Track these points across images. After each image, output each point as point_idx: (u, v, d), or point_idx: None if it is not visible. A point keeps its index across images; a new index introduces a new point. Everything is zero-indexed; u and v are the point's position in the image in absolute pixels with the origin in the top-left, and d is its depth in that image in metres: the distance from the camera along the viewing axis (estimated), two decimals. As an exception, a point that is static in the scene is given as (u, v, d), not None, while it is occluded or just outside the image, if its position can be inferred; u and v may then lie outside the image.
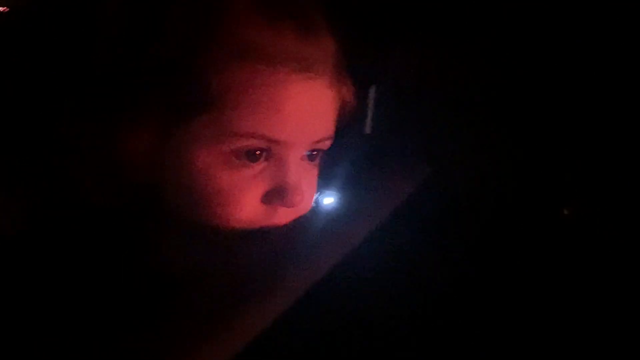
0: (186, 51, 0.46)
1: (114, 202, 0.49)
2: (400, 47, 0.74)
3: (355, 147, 0.65)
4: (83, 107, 0.49)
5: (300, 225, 0.54)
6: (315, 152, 0.53)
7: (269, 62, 0.47)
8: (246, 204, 0.50)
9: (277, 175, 0.50)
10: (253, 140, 0.48)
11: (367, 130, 0.78)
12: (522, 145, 0.72)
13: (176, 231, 0.52)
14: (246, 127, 0.47)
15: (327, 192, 0.59)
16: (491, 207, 0.71)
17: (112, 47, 0.48)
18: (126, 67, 0.47)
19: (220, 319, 0.46)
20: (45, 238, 0.49)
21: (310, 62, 0.48)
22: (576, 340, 0.57)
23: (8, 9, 0.55)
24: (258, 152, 0.49)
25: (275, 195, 0.50)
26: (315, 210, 0.57)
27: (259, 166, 0.50)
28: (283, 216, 0.52)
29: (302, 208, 0.53)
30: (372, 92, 0.79)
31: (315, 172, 0.55)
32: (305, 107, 0.49)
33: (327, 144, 0.54)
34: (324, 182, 0.58)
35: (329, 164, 0.58)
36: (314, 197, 0.56)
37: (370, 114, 0.77)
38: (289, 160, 0.50)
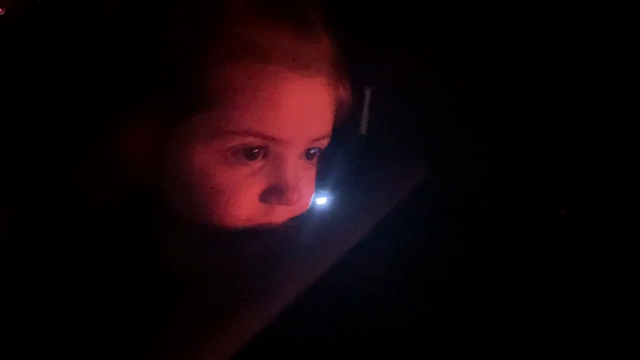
0: (185, 50, 0.46)
1: (114, 201, 0.50)
2: (396, 48, 0.74)
3: (352, 147, 0.65)
4: (83, 107, 0.49)
5: (298, 224, 0.54)
6: (313, 151, 0.54)
7: (267, 60, 0.47)
8: (244, 202, 0.50)
9: (275, 174, 0.51)
10: (251, 138, 0.48)
11: (363, 130, 0.78)
12: (519, 145, 0.73)
13: (175, 230, 0.52)
14: (244, 125, 0.47)
15: (325, 191, 0.59)
16: (489, 206, 0.71)
17: (112, 47, 0.48)
18: (126, 67, 0.48)
19: (220, 319, 0.46)
20: (45, 238, 0.49)
21: (307, 60, 0.49)
22: (575, 338, 0.57)
23: (6, 10, 0.55)
24: (256, 150, 0.49)
25: (273, 193, 0.51)
26: (313, 210, 0.57)
27: (257, 164, 0.50)
28: (281, 214, 0.52)
29: (300, 207, 0.54)
30: (368, 92, 0.79)
31: (313, 171, 0.55)
32: (303, 105, 0.49)
33: (325, 142, 0.54)
34: (322, 181, 0.58)
35: (326, 163, 0.58)
36: (312, 196, 0.56)
37: (366, 114, 0.78)
38: (286, 158, 0.51)
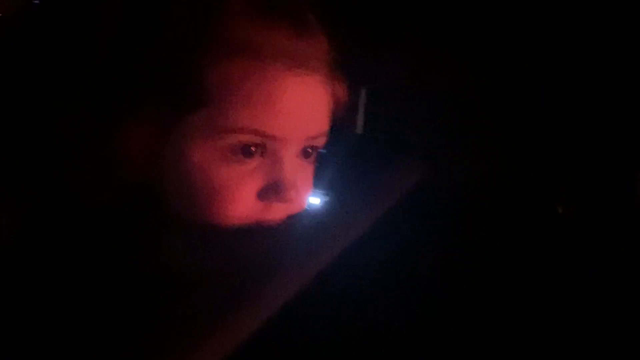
0: (183, 49, 0.47)
1: (113, 201, 0.50)
2: (393, 47, 0.74)
3: (348, 146, 0.66)
4: (82, 107, 0.49)
5: (296, 224, 0.54)
6: (310, 150, 0.54)
7: (264, 58, 0.47)
8: (242, 200, 0.50)
9: (272, 172, 0.51)
10: (248, 135, 0.48)
11: (359, 129, 0.78)
12: (517, 144, 0.73)
13: (174, 229, 0.52)
14: (241, 122, 0.48)
15: (323, 190, 0.60)
16: (487, 205, 0.71)
17: (110, 46, 0.49)
18: (124, 66, 0.48)
19: (219, 318, 0.46)
20: (45, 238, 0.49)
21: (304, 59, 0.49)
22: (574, 338, 0.57)
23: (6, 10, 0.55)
24: (253, 148, 0.49)
25: (271, 191, 0.51)
26: (310, 209, 0.57)
27: (254, 162, 0.50)
28: (278, 212, 0.52)
29: (297, 205, 0.54)
30: (364, 92, 0.79)
31: (310, 169, 0.56)
32: (300, 103, 0.50)
33: (322, 141, 0.55)
34: (319, 180, 0.58)
35: (323, 163, 0.58)
36: (310, 195, 0.57)
37: (362, 113, 0.78)
38: (284, 156, 0.51)
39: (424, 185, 0.66)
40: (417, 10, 0.71)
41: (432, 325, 0.55)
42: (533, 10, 0.68)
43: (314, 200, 0.58)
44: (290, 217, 0.54)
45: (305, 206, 0.56)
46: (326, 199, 0.60)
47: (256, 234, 0.51)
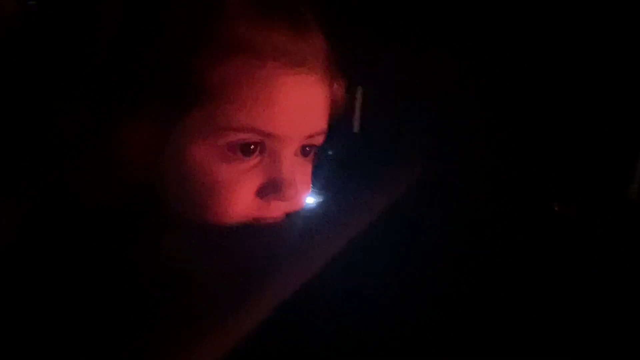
0: (182, 48, 0.47)
1: (113, 201, 0.50)
2: (390, 46, 0.74)
3: (347, 145, 0.66)
4: (82, 107, 0.49)
5: (294, 223, 0.54)
6: (308, 148, 0.54)
7: (263, 57, 0.48)
8: (241, 198, 0.50)
9: (271, 170, 0.51)
10: (247, 134, 0.49)
11: (356, 128, 0.78)
12: (515, 143, 0.73)
13: (174, 228, 0.52)
14: (240, 121, 0.48)
15: (321, 189, 0.60)
16: (484, 203, 0.72)
17: (110, 46, 0.49)
18: (124, 66, 0.48)
19: (218, 317, 0.46)
20: (45, 238, 0.49)
21: (302, 57, 0.50)
22: (574, 338, 0.57)
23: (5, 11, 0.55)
24: (252, 147, 0.50)
25: (270, 188, 0.51)
26: (308, 208, 0.57)
27: (253, 160, 0.50)
28: (277, 210, 0.53)
29: (296, 203, 0.54)
30: (360, 91, 0.79)
31: (309, 167, 0.56)
32: (298, 101, 0.50)
33: (320, 139, 0.55)
34: (318, 179, 0.58)
35: (320, 161, 0.59)
36: (308, 193, 0.57)
37: (358, 112, 0.78)
38: (282, 154, 0.51)
39: (422, 183, 0.66)
40: (415, 9, 0.71)
41: (431, 324, 0.55)
42: (532, 10, 0.68)
43: (312, 198, 0.58)
44: (289, 215, 0.54)
45: (304, 204, 0.56)
46: (324, 197, 0.60)
47: (255, 231, 0.52)
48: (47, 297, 0.47)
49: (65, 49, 0.51)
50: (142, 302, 0.47)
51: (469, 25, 0.72)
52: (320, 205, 0.59)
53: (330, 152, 0.60)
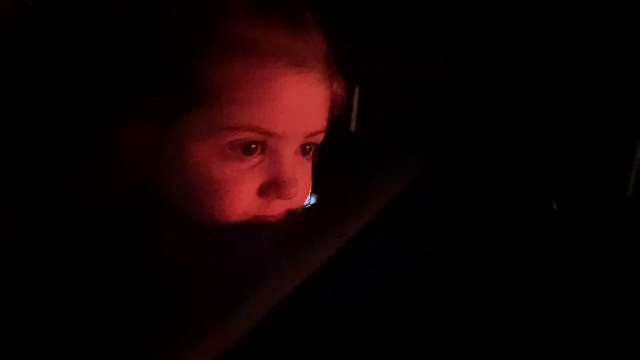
0: (183, 48, 0.47)
1: (113, 201, 0.50)
2: (385, 47, 0.75)
3: (344, 144, 0.66)
4: (82, 107, 0.49)
5: (292, 222, 0.54)
6: (308, 147, 0.55)
7: (263, 56, 0.48)
8: (242, 197, 0.50)
9: (272, 169, 0.51)
10: (249, 133, 0.49)
11: (352, 128, 0.78)
12: (510, 142, 0.73)
13: (175, 228, 0.52)
14: (242, 120, 0.48)
15: (320, 189, 0.60)
16: (480, 202, 0.72)
17: (111, 46, 0.49)
18: (124, 66, 0.48)
19: (217, 317, 0.46)
20: (45, 238, 0.49)
21: (302, 57, 0.50)
22: (574, 338, 0.58)
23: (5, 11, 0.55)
24: (253, 146, 0.50)
25: (271, 187, 0.51)
26: (307, 207, 0.57)
27: (255, 159, 0.50)
28: (278, 208, 0.53)
29: (296, 201, 0.54)
30: (357, 90, 0.79)
31: (309, 166, 0.56)
32: (299, 100, 0.50)
33: (320, 137, 0.55)
34: (317, 178, 0.59)
35: (317, 161, 0.59)
36: (309, 191, 0.57)
37: (355, 111, 0.78)
38: (283, 153, 0.51)
39: (419, 183, 0.66)
40: (414, 8, 0.71)
41: (430, 324, 0.55)
42: (532, 10, 0.68)
43: (311, 197, 0.59)
44: (290, 213, 0.54)
45: (305, 203, 0.56)
46: (320, 196, 0.60)
47: (256, 230, 0.52)
48: (47, 297, 0.47)
49: (65, 48, 0.50)
50: (142, 302, 0.47)
51: (466, 25, 0.72)
52: (316, 204, 0.59)
53: (326, 151, 0.60)
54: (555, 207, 0.72)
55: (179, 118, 0.48)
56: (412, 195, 0.64)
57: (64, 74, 0.50)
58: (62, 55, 0.51)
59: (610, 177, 0.73)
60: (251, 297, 0.47)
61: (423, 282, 0.57)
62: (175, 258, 0.52)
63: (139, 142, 0.49)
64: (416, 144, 0.75)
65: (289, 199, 0.52)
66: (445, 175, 0.74)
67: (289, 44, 0.49)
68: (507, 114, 0.74)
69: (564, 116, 0.73)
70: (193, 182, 0.50)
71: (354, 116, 0.78)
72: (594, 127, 0.72)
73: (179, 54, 0.47)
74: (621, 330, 0.57)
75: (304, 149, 0.54)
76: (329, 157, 0.61)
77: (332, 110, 0.56)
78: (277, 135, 0.50)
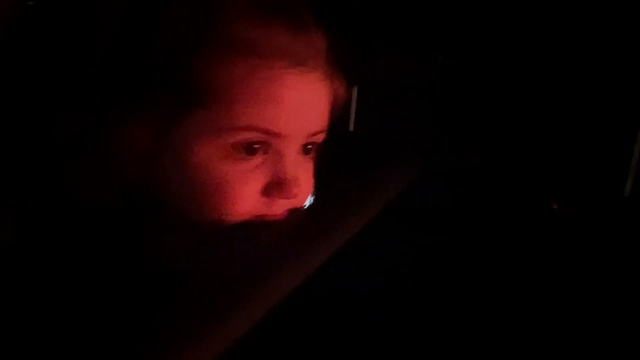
0: (184, 48, 0.47)
1: (113, 201, 0.50)
2: (384, 46, 0.75)
3: (344, 144, 0.66)
4: (82, 107, 0.49)
5: (293, 222, 0.54)
6: (310, 146, 0.55)
7: (265, 57, 0.48)
8: (246, 197, 0.50)
9: (275, 168, 0.51)
10: (251, 133, 0.49)
11: (351, 127, 0.78)
12: (510, 142, 0.73)
13: (176, 228, 0.52)
14: (244, 120, 0.48)
15: (320, 189, 0.60)
16: (479, 202, 0.72)
17: (111, 46, 0.49)
18: (125, 66, 0.48)
19: (217, 317, 0.46)
20: (45, 238, 0.49)
21: (303, 56, 0.50)
22: (574, 338, 0.58)
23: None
24: (256, 146, 0.50)
25: (274, 187, 0.51)
26: (307, 207, 0.57)
27: (257, 159, 0.51)
28: (280, 207, 0.53)
29: (299, 200, 0.54)
30: (355, 90, 0.79)
31: (311, 166, 0.56)
32: (301, 100, 0.50)
33: (321, 137, 0.55)
34: (316, 178, 0.59)
35: (319, 161, 0.59)
36: (311, 190, 0.57)
37: (353, 111, 0.78)
38: (286, 153, 0.52)
39: (418, 182, 0.66)
40: (414, 8, 0.71)
41: (430, 323, 0.55)
42: (532, 10, 0.68)
43: (313, 197, 0.59)
44: (291, 213, 0.54)
45: (307, 202, 0.56)
46: (319, 196, 0.60)
47: (257, 230, 0.52)
48: (47, 297, 0.47)
49: (65, 49, 0.51)
50: (143, 302, 0.47)
51: (466, 25, 0.72)
52: (316, 204, 0.59)
53: (325, 151, 0.60)
54: (554, 207, 0.72)
55: (179, 118, 0.48)
56: (411, 195, 0.64)
57: (64, 74, 0.50)
58: (62, 55, 0.51)
59: (608, 177, 0.73)
60: (251, 297, 0.47)
61: (423, 282, 0.57)
62: (175, 258, 0.52)
63: (139, 143, 0.49)
64: (416, 144, 0.75)
65: (291, 198, 0.52)
66: (445, 175, 0.74)
67: (289, 44, 0.49)
68: (507, 114, 0.74)
69: (564, 117, 0.73)
70: (195, 183, 0.50)
71: (353, 116, 0.78)
72: (593, 127, 0.72)
73: (179, 54, 0.47)
74: (621, 330, 0.57)
75: (305, 149, 0.54)
76: (329, 157, 0.61)
77: (333, 109, 0.56)
78: (279, 135, 0.50)
